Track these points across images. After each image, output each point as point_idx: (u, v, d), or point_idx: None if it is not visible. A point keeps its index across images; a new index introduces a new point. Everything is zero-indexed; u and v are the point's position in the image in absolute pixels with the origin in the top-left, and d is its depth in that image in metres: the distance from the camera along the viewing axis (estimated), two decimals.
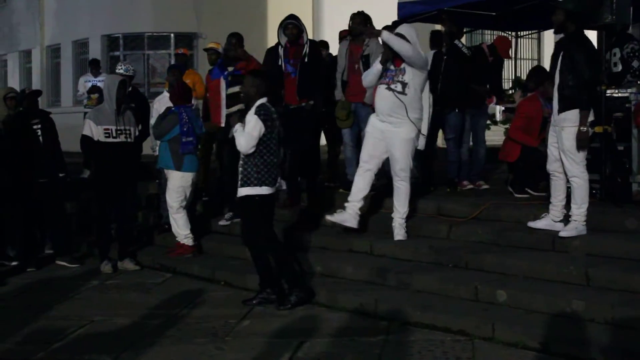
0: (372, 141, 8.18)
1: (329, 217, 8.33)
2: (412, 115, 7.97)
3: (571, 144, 7.23)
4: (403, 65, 7.96)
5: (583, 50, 7.21)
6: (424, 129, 8.38)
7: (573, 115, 7.23)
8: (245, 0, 20.93)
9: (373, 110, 8.40)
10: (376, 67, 8.08)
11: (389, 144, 8.07)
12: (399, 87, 7.94)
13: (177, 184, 9.06)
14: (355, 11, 9.87)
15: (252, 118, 7.00)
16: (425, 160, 10.01)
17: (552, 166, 7.56)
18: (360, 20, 9.70)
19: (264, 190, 7.05)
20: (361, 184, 8.25)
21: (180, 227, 9.13)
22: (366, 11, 9.85)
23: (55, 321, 6.90)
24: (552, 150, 7.53)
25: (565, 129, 7.28)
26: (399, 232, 8.17)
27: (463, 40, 10.70)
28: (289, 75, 9.58)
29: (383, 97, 8.03)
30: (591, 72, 7.21)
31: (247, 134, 6.96)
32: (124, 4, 21.04)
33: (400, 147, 8.03)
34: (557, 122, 7.37)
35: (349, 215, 8.27)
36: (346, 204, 8.29)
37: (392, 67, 8.02)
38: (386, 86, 8.00)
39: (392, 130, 8.01)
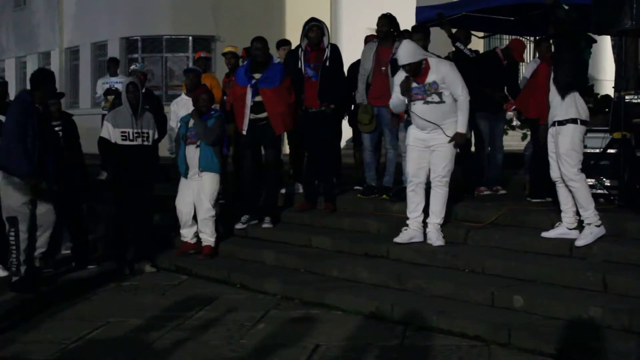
0: (417, 153, 8.15)
1: (397, 240, 8.22)
2: (451, 119, 8.04)
3: (567, 147, 7.27)
4: (432, 80, 7.98)
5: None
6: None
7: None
8: (263, 3, 21.00)
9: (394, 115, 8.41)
10: (399, 98, 8.16)
11: (433, 151, 8.07)
12: (436, 98, 7.99)
13: (217, 186, 9.30)
14: (382, 14, 9.82)
15: None
16: None
17: (555, 174, 7.54)
18: (385, 23, 9.66)
19: None
20: (417, 198, 8.21)
21: (211, 232, 9.28)
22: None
23: (71, 322, 6.92)
24: (553, 158, 7.51)
25: (562, 132, 7.34)
26: (437, 237, 8.13)
27: (480, 44, 10.65)
28: (310, 79, 9.58)
29: (423, 112, 8.02)
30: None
31: None
32: (143, 7, 21.14)
33: (445, 153, 8.06)
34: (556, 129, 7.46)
35: (414, 231, 8.23)
36: (408, 221, 8.25)
37: (415, 85, 8.04)
38: (423, 101, 8.02)
39: (436, 137, 8.03)
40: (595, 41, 7.70)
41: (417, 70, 7.99)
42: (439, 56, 9.30)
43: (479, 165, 10.24)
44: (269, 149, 9.54)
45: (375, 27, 9.88)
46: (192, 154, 9.20)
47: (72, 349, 6.18)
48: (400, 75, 8.17)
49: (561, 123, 7.35)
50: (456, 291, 7.00)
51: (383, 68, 9.54)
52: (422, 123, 8.06)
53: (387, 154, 9.82)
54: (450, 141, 8.01)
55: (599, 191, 8.50)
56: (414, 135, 8.19)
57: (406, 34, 9.93)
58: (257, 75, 9.37)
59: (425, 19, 11.57)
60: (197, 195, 9.23)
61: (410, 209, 8.25)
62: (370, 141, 9.96)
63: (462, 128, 8.04)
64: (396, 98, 8.22)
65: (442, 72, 8.01)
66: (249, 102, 9.38)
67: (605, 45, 15.33)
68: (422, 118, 8.03)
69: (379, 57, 9.64)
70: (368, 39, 10.62)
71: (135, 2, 21.24)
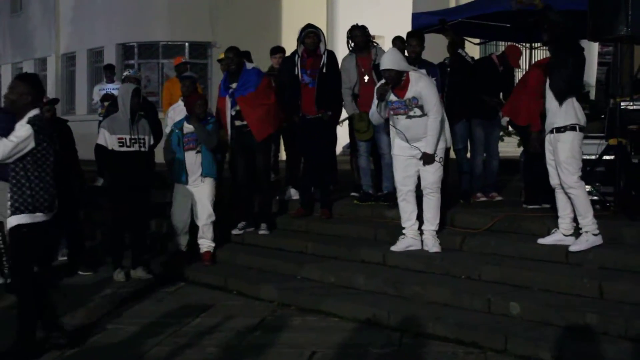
0: (404, 163, 8.15)
1: (394, 249, 8.24)
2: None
3: (567, 154, 7.27)
4: (412, 95, 7.97)
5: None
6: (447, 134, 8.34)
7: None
8: (259, 10, 21.00)
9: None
10: (374, 105, 8.19)
11: (420, 161, 8.07)
12: (418, 112, 7.99)
13: (215, 191, 9.32)
14: (354, 26, 9.93)
15: (23, 127, 5.92)
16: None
17: (554, 181, 7.54)
18: (360, 34, 9.78)
19: (38, 217, 6.05)
20: (409, 207, 8.23)
21: (212, 237, 9.34)
22: (381, 21, 9.91)
23: (67, 328, 6.89)
24: (552, 165, 7.52)
25: (562, 139, 7.33)
26: (434, 244, 8.14)
27: (476, 50, 10.66)
28: (306, 86, 9.60)
29: (408, 127, 8.03)
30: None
31: (9, 142, 5.87)
32: (139, 13, 21.15)
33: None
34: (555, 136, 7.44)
35: (411, 239, 8.25)
36: (404, 230, 8.27)
37: (395, 99, 8.04)
38: (405, 116, 8.03)
39: (422, 147, 8.02)
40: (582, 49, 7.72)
41: (397, 80, 7.96)
42: (430, 64, 9.37)
43: (474, 171, 10.23)
44: (258, 155, 9.56)
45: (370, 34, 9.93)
46: (193, 159, 9.19)
47: (70, 355, 6.18)
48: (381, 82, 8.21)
49: (560, 130, 7.34)
50: (452, 298, 7.01)
51: (366, 77, 9.61)
52: (406, 138, 8.07)
53: (383, 159, 9.81)
54: (419, 159, 8.04)
55: (595, 197, 8.51)
56: (398, 144, 8.19)
57: (397, 41, 9.96)
58: (234, 85, 9.45)
59: (422, 25, 11.61)
60: (197, 201, 9.24)
61: (404, 218, 8.27)
62: (365, 147, 9.98)
63: (429, 149, 8.00)
64: (374, 106, 8.22)
65: (419, 88, 7.97)
66: (228, 112, 9.47)
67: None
68: (406, 133, 8.03)
69: (359, 68, 9.71)
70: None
71: (132, 9, 21.24)
